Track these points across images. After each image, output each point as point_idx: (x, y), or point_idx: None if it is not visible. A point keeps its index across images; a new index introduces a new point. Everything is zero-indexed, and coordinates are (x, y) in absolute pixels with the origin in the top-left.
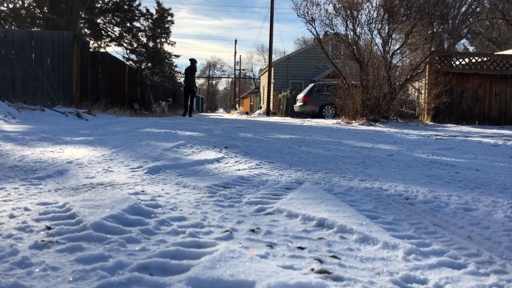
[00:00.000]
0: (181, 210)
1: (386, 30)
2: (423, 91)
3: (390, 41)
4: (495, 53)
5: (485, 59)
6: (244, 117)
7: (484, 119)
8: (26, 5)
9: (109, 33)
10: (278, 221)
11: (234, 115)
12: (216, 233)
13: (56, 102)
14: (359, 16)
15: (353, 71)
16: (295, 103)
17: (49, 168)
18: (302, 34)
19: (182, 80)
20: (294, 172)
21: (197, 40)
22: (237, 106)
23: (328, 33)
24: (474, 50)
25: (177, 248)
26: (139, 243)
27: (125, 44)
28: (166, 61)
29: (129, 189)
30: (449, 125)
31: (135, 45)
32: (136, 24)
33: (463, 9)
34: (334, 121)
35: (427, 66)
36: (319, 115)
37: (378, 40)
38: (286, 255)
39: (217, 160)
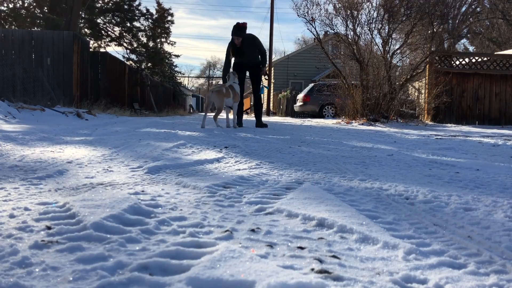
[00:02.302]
0: (181, 210)
1: (386, 30)
2: (423, 91)
3: (390, 41)
4: (495, 53)
5: (485, 59)
6: (244, 117)
7: (484, 119)
8: (26, 5)
9: (109, 33)
10: (278, 221)
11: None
12: (216, 233)
13: (56, 102)
14: (359, 16)
15: (353, 71)
16: (295, 103)
17: (49, 168)
18: (302, 34)
19: (182, 80)
20: (294, 172)
21: (195, 40)
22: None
23: (328, 33)
24: (474, 50)
25: (177, 248)
26: (139, 243)
27: (125, 44)
28: (166, 61)
29: (129, 189)
30: (449, 125)
31: (135, 45)
32: (136, 24)
33: (463, 9)
34: (334, 121)
35: (427, 66)
36: (319, 115)
37: (378, 40)
38: (286, 255)
39: (217, 160)
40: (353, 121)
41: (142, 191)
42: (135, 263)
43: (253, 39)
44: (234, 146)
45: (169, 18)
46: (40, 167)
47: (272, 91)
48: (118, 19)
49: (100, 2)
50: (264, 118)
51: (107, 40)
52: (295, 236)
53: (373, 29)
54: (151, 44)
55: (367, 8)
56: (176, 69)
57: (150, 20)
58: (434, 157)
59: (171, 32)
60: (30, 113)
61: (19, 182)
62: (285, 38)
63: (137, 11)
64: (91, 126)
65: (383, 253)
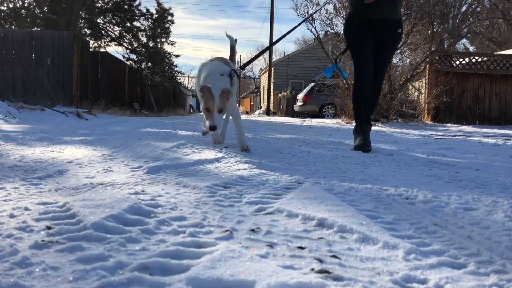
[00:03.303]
0: (181, 209)
1: None
2: (423, 91)
3: None
4: (495, 53)
5: (485, 58)
6: (244, 116)
7: (484, 119)
8: (26, 5)
9: (109, 33)
10: (278, 220)
11: None
12: (216, 232)
13: (56, 102)
14: None
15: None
16: (295, 103)
17: (49, 168)
18: (302, 34)
19: (182, 80)
20: (294, 172)
21: (194, 40)
22: (237, 105)
23: (328, 32)
24: (474, 50)
25: (177, 248)
26: (139, 242)
27: (125, 44)
28: (166, 61)
29: (129, 189)
30: (449, 125)
31: (135, 45)
32: (136, 24)
33: (463, 9)
34: (334, 121)
35: (427, 66)
36: (319, 115)
37: None
38: (286, 254)
39: (217, 160)
40: (353, 121)
41: (142, 191)
42: (135, 263)
43: None
44: (234, 146)
45: (169, 18)
46: (40, 167)
47: (272, 91)
48: (118, 19)
49: (100, 2)
50: (264, 118)
51: (107, 40)
52: (295, 236)
53: None
54: (151, 44)
55: None
56: (176, 69)
57: (150, 20)
58: (434, 157)
59: (171, 32)
60: (30, 113)
61: (19, 182)
62: (285, 38)
63: (137, 11)
64: (91, 126)
65: (383, 253)
